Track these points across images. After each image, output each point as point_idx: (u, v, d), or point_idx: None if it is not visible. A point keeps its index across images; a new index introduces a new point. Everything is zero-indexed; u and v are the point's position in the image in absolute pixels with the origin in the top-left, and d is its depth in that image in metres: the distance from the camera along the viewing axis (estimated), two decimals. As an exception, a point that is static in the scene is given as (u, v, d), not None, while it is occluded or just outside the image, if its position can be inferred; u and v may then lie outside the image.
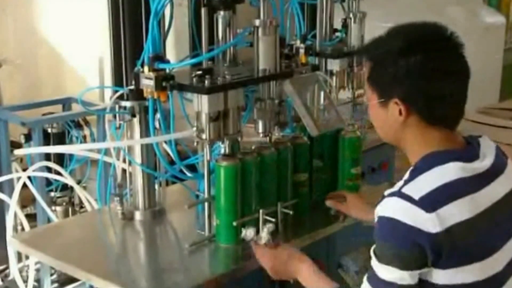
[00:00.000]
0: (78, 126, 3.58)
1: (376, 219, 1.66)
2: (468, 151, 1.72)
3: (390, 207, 1.61)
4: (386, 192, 1.65)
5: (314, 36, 2.95)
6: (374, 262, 1.66)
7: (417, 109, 1.68)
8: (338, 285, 1.86)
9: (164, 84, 2.07)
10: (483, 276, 1.63)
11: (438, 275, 1.61)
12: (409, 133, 1.71)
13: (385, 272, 1.62)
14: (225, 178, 2.10)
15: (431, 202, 1.57)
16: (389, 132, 1.76)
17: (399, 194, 1.61)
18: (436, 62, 1.65)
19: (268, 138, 2.27)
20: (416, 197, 1.58)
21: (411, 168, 1.70)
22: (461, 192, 1.62)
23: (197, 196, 2.39)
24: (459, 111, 1.73)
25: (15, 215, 3.09)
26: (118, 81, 2.31)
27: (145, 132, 2.30)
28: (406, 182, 1.64)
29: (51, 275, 3.25)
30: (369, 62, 1.76)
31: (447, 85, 1.66)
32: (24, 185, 3.08)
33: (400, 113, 1.69)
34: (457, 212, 1.59)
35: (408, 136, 1.72)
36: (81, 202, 3.38)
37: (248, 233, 2.07)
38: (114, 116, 2.31)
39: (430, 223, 1.56)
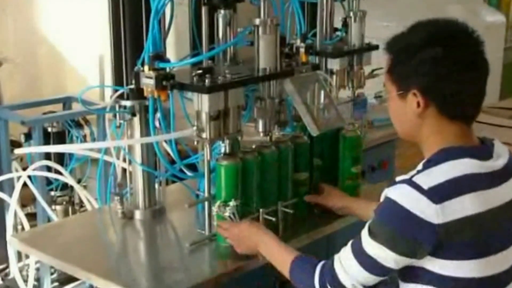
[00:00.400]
0: (78, 125, 3.58)
1: (382, 197, 1.68)
2: (482, 149, 1.74)
3: (399, 193, 1.64)
4: (398, 178, 1.68)
5: (314, 35, 2.95)
6: (364, 235, 1.69)
7: (435, 101, 1.70)
8: (300, 253, 1.89)
9: (164, 83, 2.06)
10: (484, 274, 1.65)
11: (436, 265, 1.64)
12: (426, 127, 1.73)
13: (373, 248, 1.66)
14: (225, 177, 2.10)
15: (439, 193, 1.60)
16: (407, 126, 1.78)
17: (410, 182, 1.63)
18: (456, 55, 1.67)
19: (268, 137, 2.27)
20: (425, 187, 1.60)
21: (425, 159, 1.72)
22: (471, 187, 1.64)
23: (197, 196, 2.39)
24: (476, 107, 1.74)
25: (15, 214, 3.09)
26: (118, 80, 2.30)
27: (145, 131, 2.30)
28: (419, 171, 1.67)
29: (51, 274, 3.25)
30: (390, 56, 1.78)
31: (466, 78, 1.68)
32: (24, 184, 3.08)
33: (418, 105, 1.70)
34: (463, 206, 1.61)
35: (425, 130, 1.74)
36: (81, 201, 3.38)
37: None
38: (114, 115, 2.31)
39: (434, 213, 1.58)
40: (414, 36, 1.73)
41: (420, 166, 1.70)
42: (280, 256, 1.93)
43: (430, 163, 1.68)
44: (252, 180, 2.16)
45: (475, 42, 1.71)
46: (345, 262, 1.72)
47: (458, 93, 1.68)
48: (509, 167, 1.74)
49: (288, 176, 2.30)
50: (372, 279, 1.70)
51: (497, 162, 1.72)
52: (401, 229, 1.62)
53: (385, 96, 1.84)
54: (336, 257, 1.75)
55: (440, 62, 1.66)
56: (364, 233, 1.69)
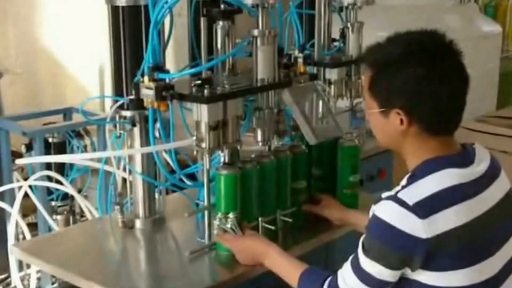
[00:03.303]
0: (79, 135, 3.59)
1: (370, 214, 1.70)
2: (463, 156, 1.74)
3: (385, 210, 1.65)
4: (384, 195, 1.68)
5: (312, 46, 2.98)
6: (360, 252, 1.71)
7: (419, 119, 1.70)
8: (306, 267, 1.89)
9: (164, 94, 2.08)
10: (475, 280, 1.66)
11: (428, 277, 1.65)
12: (409, 141, 1.74)
13: (367, 264, 1.68)
14: (225, 187, 2.12)
15: (425, 208, 1.60)
16: (388, 139, 1.79)
17: (395, 199, 1.64)
18: (437, 71, 1.67)
19: (267, 146, 2.29)
20: (411, 202, 1.61)
21: (409, 174, 1.72)
22: (456, 198, 1.64)
23: (197, 205, 2.41)
24: (458, 118, 1.75)
25: (17, 224, 3.11)
26: (118, 91, 2.32)
27: (145, 142, 2.32)
28: (403, 187, 1.68)
29: (52, 283, 3.26)
30: (369, 70, 1.76)
31: (450, 93, 1.68)
32: (26, 195, 3.10)
33: (402, 122, 1.71)
34: (450, 219, 1.62)
35: (407, 144, 1.74)
36: (81, 211, 3.40)
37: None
38: (115, 126, 2.33)
39: (421, 229, 1.59)
40: (393, 51, 1.71)
41: (404, 181, 1.70)
42: (287, 270, 1.94)
43: (414, 177, 1.69)
44: (252, 189, 2.18)
45: (454, 52, 1.71)
46: (347, 279, 1.74)
47: (442, 110, 1.69)
48: (491, 171, 1.75)
49: (287, 185, 2.31)
50: None
51: (479, 168, 1.73)
52: (391, 246, 1.63)
53: (365, 109, 1.82)
54: (339, 274, 1.77)
55: (422, 79, 1.66)
56: (359, 249, 1.71)
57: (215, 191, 2.15)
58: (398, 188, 1.68)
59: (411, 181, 1.68)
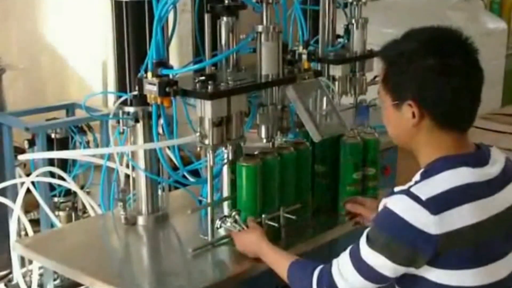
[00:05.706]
0: (82, 131, 3.59)
1: (380, 207, 1.69)
2: (478, 156, 1.74)
3: (397, 203, 1.64)
4: (396, 189, 1.68)
5: (316, 42, 2.97)
6: (362, 243, 1.70)
7: (430, 112, 1.70)
8: (298, 258, 1.91)
9: (167, 89, 2.07)
10: (482, 282, 1.65)
11: (435, 274, 1.64)
12: (422, 136, 1.73)
13: (370, 255, 1.67)
14: (246, 178, 2.14)
15: (437, 204, 1.60)
16: (402, 134, 1.78)
17: (408, 193, 1.64)
18: (449, 65, 1.67)
19: (271, 143, 2.28)
20: (424, 197, 1.61)
21: (422, 170, 1.72)
22: (469, 197, 1.64)
23: (200, 201, 2.40)
24: (471, 116, 1.75)
25: (19, 220, 3.10)
26: (121, 87, 2.31)
27: (148, 138, 2.31)
28: (416, 182, 1.67)
29: (55, 279, 3.26)
30: (384, 64, 1.78)
31: (460, 88, 1.67)
32: (28, 190, 3.09)
33: (414, 115, 1.71)
34: (461, 217, 1.61)
35: (420, 139, 1.74)
36: (84, 207, 3.40)
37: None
38: (118, 122, 2.32)
39: (432, 224, 1.59)
40: (407, 44, 1.72)
41: (417, 177, 1.70)
42: (278, 262, 1.95)
43: (428, 173, 1.68)
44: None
45: (469, 49, 1.70)
46: (342, 268, 1.73)
47: (453, 104, 1.68)
48: (505, 173, 1.74)
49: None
50: (370, 286, 1.71)
51: (493, 169, 1.72)
52: (399, 238, 1.63)
53: (379, 104, 1.84)
54: (334, 262, 1.76)
55: (433, 71, 1.66)
56: (362, 240, 1.70)
57: (218, 188, 2.14)
58: (411, 183, 1.68)
59: (424, 177, 1.68)
